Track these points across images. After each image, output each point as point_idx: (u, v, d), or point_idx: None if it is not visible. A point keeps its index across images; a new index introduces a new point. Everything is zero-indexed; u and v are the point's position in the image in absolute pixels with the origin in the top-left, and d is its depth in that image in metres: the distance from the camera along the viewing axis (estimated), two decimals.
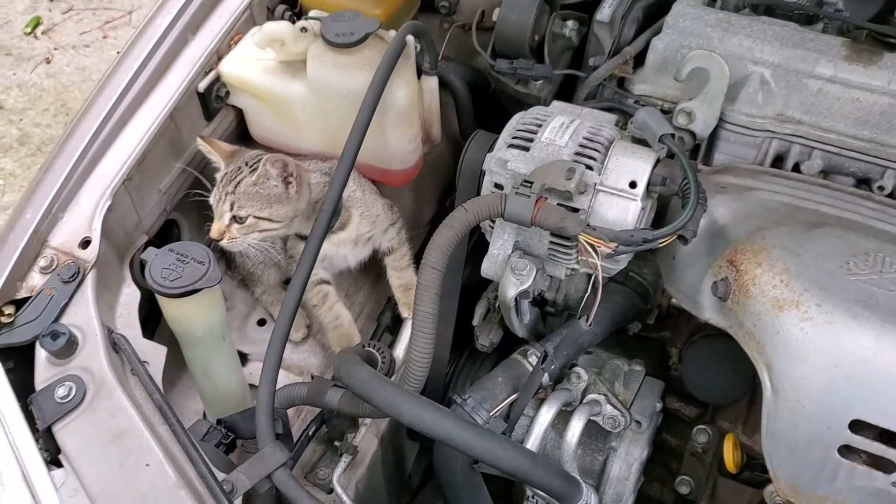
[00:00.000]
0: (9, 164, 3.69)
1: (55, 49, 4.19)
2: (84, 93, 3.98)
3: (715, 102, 1.68)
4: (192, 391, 1.74)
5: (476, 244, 1.84)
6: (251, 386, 1.80)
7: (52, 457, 1.32)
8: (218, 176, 1.66)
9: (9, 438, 1.33)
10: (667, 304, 1.84)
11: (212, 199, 1.66)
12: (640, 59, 1.83)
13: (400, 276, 1.86)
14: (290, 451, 1.42)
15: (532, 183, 1.44)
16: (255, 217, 1.62)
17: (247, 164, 1.64)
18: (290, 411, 1.68)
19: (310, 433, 1.69)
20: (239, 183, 1.61)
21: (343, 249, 1.80)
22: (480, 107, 2.08)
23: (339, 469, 1.63)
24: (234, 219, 1.62)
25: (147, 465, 1.28)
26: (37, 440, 1.33)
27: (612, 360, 1.77)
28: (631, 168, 1.49)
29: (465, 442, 1.33)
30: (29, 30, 4.25)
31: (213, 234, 1.63)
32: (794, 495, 1.36)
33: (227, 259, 1.94)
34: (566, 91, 1.97)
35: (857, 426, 1.27)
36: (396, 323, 1.91)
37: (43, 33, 4.26)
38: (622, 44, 1.85)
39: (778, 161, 1.74)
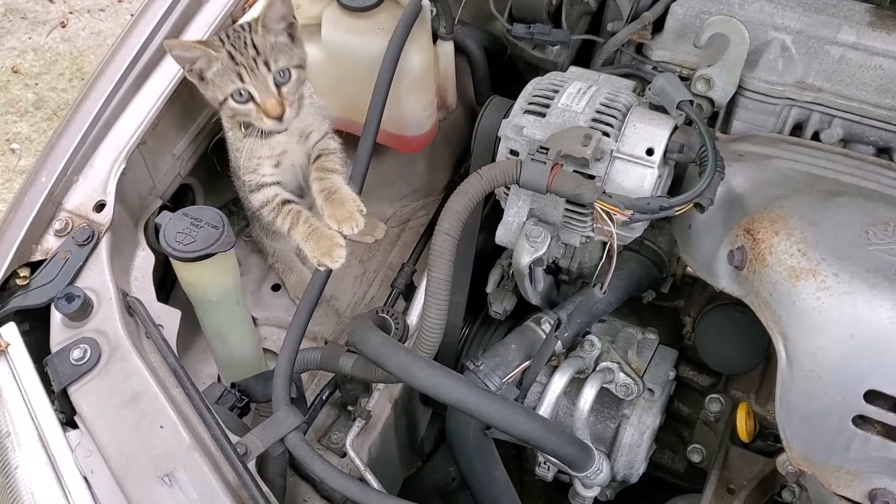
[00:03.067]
0: (25, 129, 3.70)
1: (70, 13, 4.18)
2: (99, 57, 3.97)
3: (734, 69, 1.66)
4: (206, 354, 1.76)
5: (490, 211, 1.83)
6: (265, 350, 1.81)
7: (68, 418, 1.34)
8: (212, 64, 1.45)
9: (25, 400, 1.35)
10: (681, 272, 1.83)
11: (235, 84, 1.45)
12: (658, 25, 1.80)
13: (324, 178, 1.58)
14: (303, 414, 1.43)
15: (548, 149, 1.43)
16: (293, 67, 1.48)
17: (237, 32, 1.47)
18: (304, 376, 1.69)
19: (323, 398, 1.70)
20: (251, 44, 1.45)
21: (292, 141, 1.60)
22: (496, 72, 2.06)
23: (353, 433, 1.64)
24: (277, 84, 1.47)
25: (161, 427, 1.30)
26: (52, 401, 1.35)
27: (625, 329, 1.76)
28: (648, 135, 1.48)
29: (477, 408, 1.33)
30: None
31: (272, 111, 1.46)
32: (808, 465, 1.35)
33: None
34: (583, 56, 1.95)
35: (872, 396, 1.25)
36: (410, 290, 1.90)
37: None
38: (641, 9, 1.82)
39: (797, 129, 1.72)
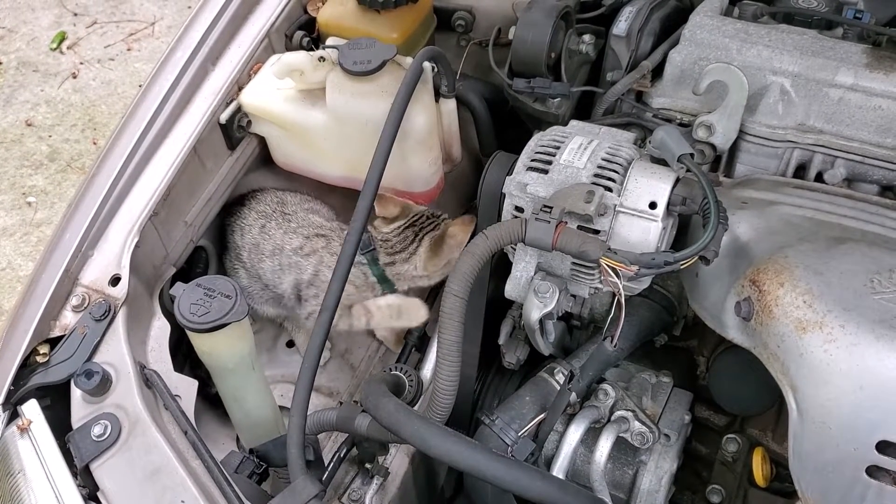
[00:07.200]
0: (40, 181, 3.76)
1: (81, 63, 4.25)
2: (111, 107, 4.05)
3: (734, 115, 1.67)
4: (224, 415, 1.77)
5: (501, 258, 1.85)
6: (281, 407, 1.82)
7: (91, 494, 1.36)
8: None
9: (48, 477, 1.37)
10: (693, 314, 1.84)
11: None
12: (658, 72, 1.82)
13: None
14: (320, 478, 1.45)
15: (552, 208, 1.44)
16: None
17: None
18: (321, 434, 1.70)
19: (341, 455, 1.71)
20: None
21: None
22: (500, 119, 2.08)
23: (371, 491, 1.65)
24: None
25: (182, 501, 1.31)
26: (75, 476, 1.37)
27: (639, 374, 1.76)
28: (650, 189, 1.49)
29: (493, 474, 1.33)
30: (55, 45, 4.31)
31: None
32: None
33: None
34: (585, 104, 1.96)
35: (884, 446, 1.26)
36: (423, 341, 1.92)
37: (68, 48, 4.32)
38: (639, 57, 1.83)
39: (801, 170, 1.73)
